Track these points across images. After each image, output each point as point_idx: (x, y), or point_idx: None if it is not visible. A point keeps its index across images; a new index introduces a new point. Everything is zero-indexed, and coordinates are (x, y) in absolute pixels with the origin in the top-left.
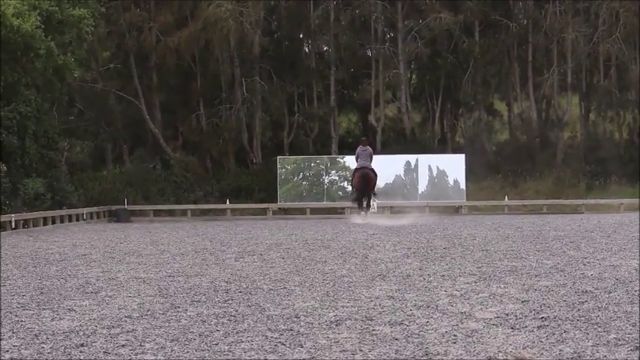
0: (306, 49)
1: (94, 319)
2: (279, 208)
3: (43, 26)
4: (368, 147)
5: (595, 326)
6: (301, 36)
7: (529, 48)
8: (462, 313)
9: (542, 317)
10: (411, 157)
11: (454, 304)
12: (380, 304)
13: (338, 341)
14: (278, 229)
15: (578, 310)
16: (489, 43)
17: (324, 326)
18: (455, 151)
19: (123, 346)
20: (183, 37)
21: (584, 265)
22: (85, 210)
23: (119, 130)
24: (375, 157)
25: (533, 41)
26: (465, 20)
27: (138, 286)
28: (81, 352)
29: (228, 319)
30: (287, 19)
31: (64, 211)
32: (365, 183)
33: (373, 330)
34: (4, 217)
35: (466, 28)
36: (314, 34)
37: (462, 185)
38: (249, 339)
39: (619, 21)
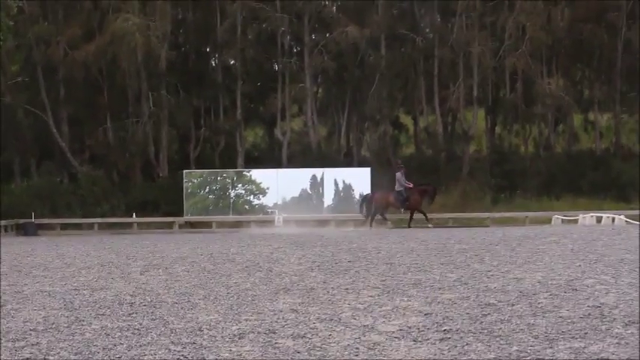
0: (213, 63)
1: None
2: (186, 222)
3: None
4: (398, 172)
5: (497, 339)
6: (208, 50)
7: (435, 62)
8: (364, 326)
9: (445, 330)
10: (317, 171)
11: (357, 317)
12: (283, 318)
13: (241, 354)
14: (184, 242)
15: (481, 322)
16: (395, 56)
17: (227, 339)
18: (361, 164)
19: (27, 359)
20: (90, 51)
21: (488, 277)
22: None
23: (27, 143)
24: (280, 170)
25: (440, 55)
26: (371, 34)
27: (43, 299)
28: None
29: (132, 333)
30: (194, 33)
31: None
32: (367, 201)
33: (276, 343)
34: None
35: (372, 41)
36: (221, 47)
37: None
38: (152, 352)
39: (525, 35)
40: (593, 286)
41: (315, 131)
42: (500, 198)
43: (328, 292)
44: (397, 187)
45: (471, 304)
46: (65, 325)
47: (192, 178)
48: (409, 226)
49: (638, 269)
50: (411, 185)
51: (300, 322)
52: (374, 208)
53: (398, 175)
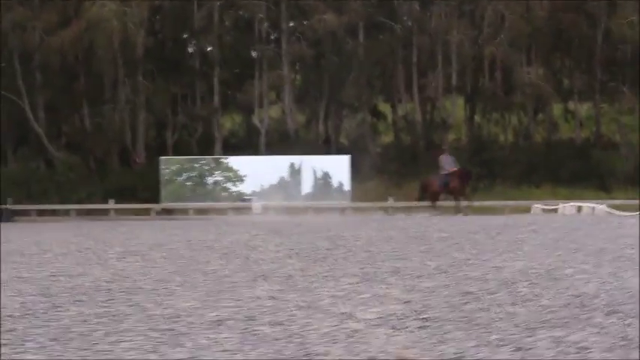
0: (190, 50)
1: None
2: (163, 209)
3: None
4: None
5: (477, 327)
6: (185, 36)
7: (414, 50)
8: (343, 313)
9: (424, 318)
10: (295, 159)
11: (336, 305)
12: (261, 305)
13: (218, 341)
14: (161, 229)
15: (461, 311)
16: (374, 44)
17: (205, 326)
18: (339, 152)
19: (4, 345)
20: (67, 37)
21: (468, 266)
22: None
23: (2, 129)
24: (258, 157)
25: (418, 43)
26: (349, 21)
27: (19, 285)
28: None
29: (109, 319)
30: (171, 19)
31: None
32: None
33: (254, 330)
34: None
35: (350, 29)
36: (198, 34)
37: (346, 187)
38: (130, 338)
39: (504, 23)
40: (573, 275)
41: (292, 118)
42: (479, 187)
43: (306, 279)
44: (441, 172)
45: (450, 292)
46: (42, 312)
47: (170, 165)
48: (460, 213)
49: (619, 259)
50: (454, 169)
51: (279, 310)
52: (428, 193)
53: (441, 157)
